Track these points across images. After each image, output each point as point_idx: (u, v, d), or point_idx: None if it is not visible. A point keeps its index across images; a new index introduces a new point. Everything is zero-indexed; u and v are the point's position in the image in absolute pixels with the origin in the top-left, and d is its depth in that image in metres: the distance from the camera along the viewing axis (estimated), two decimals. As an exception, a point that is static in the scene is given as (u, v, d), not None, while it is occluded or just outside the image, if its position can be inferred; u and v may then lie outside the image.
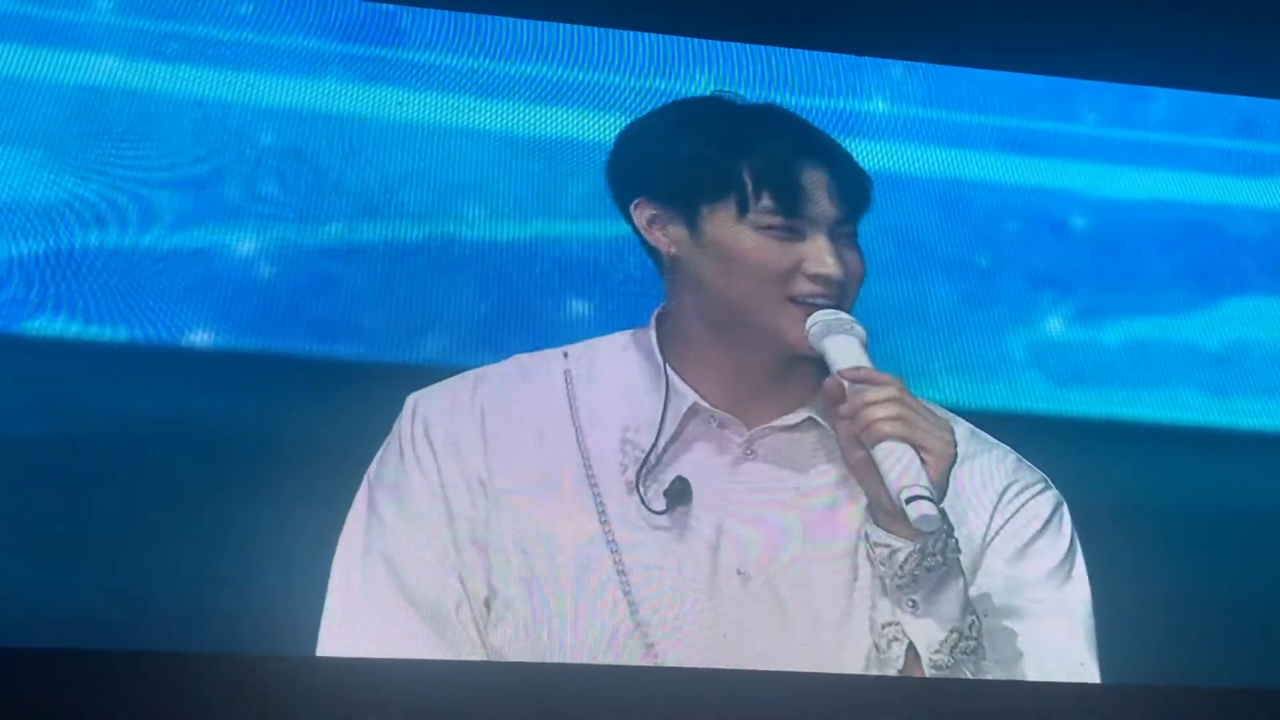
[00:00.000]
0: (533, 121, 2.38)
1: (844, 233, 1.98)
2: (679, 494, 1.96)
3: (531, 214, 2.32)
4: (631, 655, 1.91)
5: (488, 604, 1.94)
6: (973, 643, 1.86)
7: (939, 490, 1.80)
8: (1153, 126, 2.62)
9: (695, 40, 2.45)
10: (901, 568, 1.84)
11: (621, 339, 2.06)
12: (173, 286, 2.19)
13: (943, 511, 1.81)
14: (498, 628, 1.94)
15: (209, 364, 2.17)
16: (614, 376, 2.03)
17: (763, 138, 2.00)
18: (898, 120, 2.48)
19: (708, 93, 2.27)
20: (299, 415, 2.14)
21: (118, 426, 2.11)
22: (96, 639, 1.96)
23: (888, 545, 1.84)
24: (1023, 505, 2.01)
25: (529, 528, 1.95)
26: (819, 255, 1.94)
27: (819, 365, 1.94)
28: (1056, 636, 1.97)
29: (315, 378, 2.19)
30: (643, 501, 1.95)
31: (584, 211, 2.31)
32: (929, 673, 1.85)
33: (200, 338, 2.18)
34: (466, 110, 2.38)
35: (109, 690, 1.88)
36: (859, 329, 1.92)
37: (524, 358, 2.07)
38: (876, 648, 1.88)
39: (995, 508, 2.00)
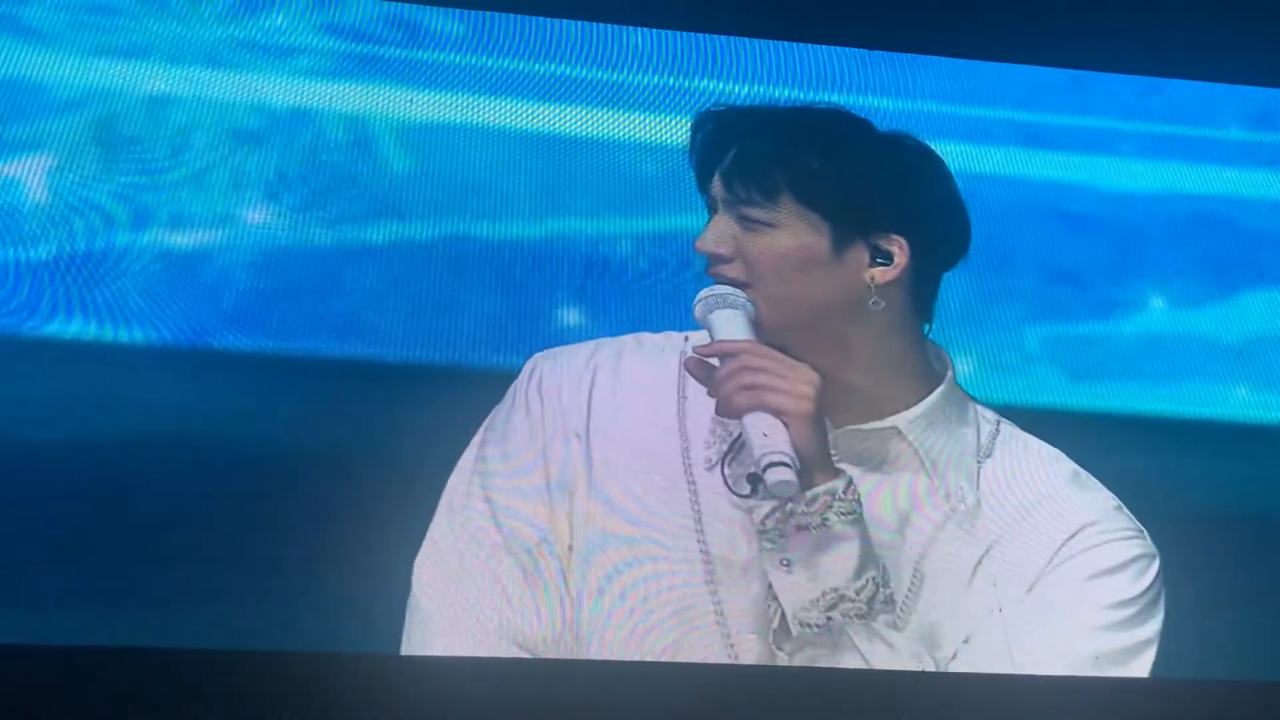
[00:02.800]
0: (546, 119, 2.38)
1: (739, 213, 2.01)
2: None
3: (545, 212, 2.32)
4: (704, 626, 1.97)
5: (571, 549, 2.00)
6: (862, 605, 1.92)
7: (809, 445, 1.89)
8: (1169, 119, 2.61)
9: (711, 36, 2.45)
10: (763, 524, 1.91)
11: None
12: (185, 288, 2.20)
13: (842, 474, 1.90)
14: (579, 574, 1.99)
15: (222, 364, 2.18)
16: None
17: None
18: (912, 115, 2.48)
19: (721, 94, 2.29)
20: (311, 414, 2.16)
21: (135, 427, 2.11)
22: (118, 639, 2.00)
23: (746, 502, 1.92)
24: (1100, 545, 2.01)
25: (619, 488, 2.01)
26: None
27: (926, 372, 2.02)
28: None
29: (327, 377, 2.20)
30: (725, 482, 1.99)
31: (598, 209, 2.31)
32: (795, 630, 1.91)
33: (214, 338, 2.18)
34: (479, 108, 2.37)
35: (134, 689, 1.92)
36: (745, 303, 1.98)
37: (646, 335, 2.13)
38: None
39: (1066, 542, 2.01)
